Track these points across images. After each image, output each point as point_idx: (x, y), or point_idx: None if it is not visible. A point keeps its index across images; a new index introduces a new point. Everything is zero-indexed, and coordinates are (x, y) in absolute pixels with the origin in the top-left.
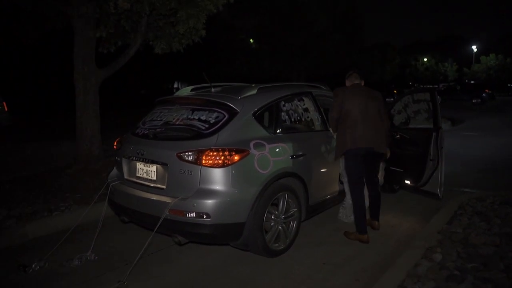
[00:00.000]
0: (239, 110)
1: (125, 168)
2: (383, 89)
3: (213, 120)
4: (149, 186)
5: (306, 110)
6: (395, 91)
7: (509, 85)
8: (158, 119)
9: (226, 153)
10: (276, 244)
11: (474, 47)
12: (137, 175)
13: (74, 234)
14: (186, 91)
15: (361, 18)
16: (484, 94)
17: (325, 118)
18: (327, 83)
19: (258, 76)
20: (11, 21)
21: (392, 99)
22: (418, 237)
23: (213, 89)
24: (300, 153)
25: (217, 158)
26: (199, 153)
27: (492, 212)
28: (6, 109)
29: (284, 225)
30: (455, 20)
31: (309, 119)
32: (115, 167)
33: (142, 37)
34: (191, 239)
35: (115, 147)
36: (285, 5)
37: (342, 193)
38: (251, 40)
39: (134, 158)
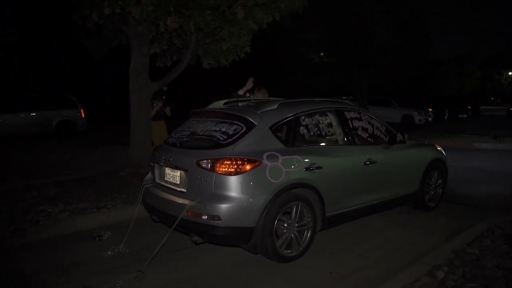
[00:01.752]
0: (256, 124)
1: (156, 173)
2: (455, 105)
3: (231, 132)
4: (174, 189)
5: (327, 125)
6: (469, 107)
7: None
8: (187, 129)
9: (239, 162)
10: (288, 251)
11: None
12: (165, 179)
13: (115, 229)
14: (219, 104)
15: (426, 28)
16: None
17: (348, 132)
18: (391, 96)
19: (318, 87)
20: (84, 38)
21: (465, 116)
22: (430, 255)
23: (240, 104)
24: (317, 165)
25: (230, 166)
26: (215, 161)
27: None
28: (83, 116)
29: (297, 233)
30: None
31: (330, 133)
32: (150, 171)
33: (192, 53)
34: (205, 239)
35: (153, 152)
36: (346, 17)
37: (368, 208)
38: (312, 55)
39: (163, 164)
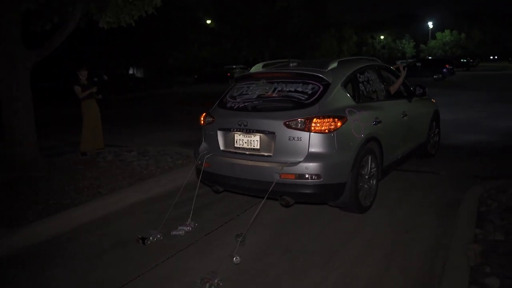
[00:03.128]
0: (330, 81)
1: (220, 140)
2: None
3: (310, 91)
4: (254, 154)
5: (374, 81)
6: None
7: (462, 60)
8: (249, 93)
9: (331, 120)
10: (366, 201)
11: (430, 24)
12: (235, 145)
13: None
14: (258, 67)
15: None
16: (444, 70)
17: (386, 88)
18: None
19: (219, 58)
20: None
21: None
22: (454, 251)
23: (291, 64)
24: (379, 120)
25: (324, 124)
26: (307, 120)
27: None
28: None
29: (369, 184)
30: None
31: (378, 89)
32: (203, 141)
33: (82, 9)
34: (298, 200)
35: (202, 122)
36: None
37: (404, 158)
38: (208, 21)
39: (233, 130)
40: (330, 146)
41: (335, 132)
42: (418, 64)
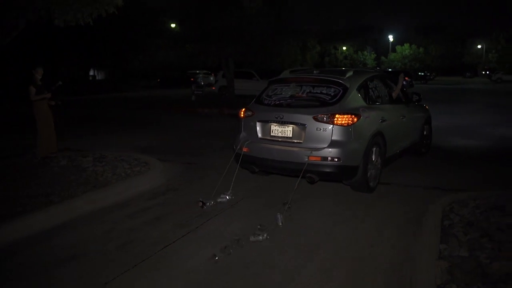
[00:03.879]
0: (348, 86)
1: (259, 130)
2: None
3: (333, 93)
4: (287, 141)
5: (380, 88)
6: None
7: (420, 73)
8: (283, 93)
9: (349, 116)
10: (372, 183)
11: (390, 37)
12: (271, 134)
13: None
14: (286, 73)
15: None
16: (404, 82)
17: (389, 94)
18: (253, 69)
19: (184, 63)
20: None
21: None
22: (420, 269)
23: (314, 71)
24: (384, 119)
25: (344, 119)
26: (331, 116)
27: (486, 223)
28: None
29: (375, 170)
30: (369, 10)
31: (383, 94)
32: (243, 132)
33: (37, 4)
34: (321, 177)
35: (242, 115)
36: None
37: (401, 152)
38: (172, 25)
39: (270, 121)
40: (348, 136)
41: (352, 125)
42: None
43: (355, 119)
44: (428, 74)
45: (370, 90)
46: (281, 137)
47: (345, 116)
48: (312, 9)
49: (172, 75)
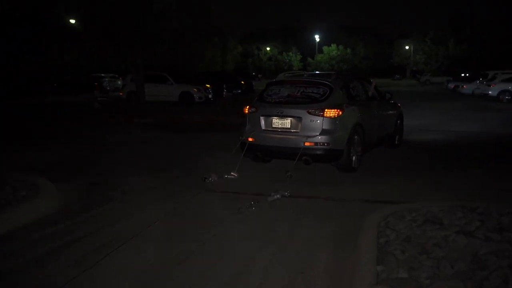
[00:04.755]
0: (334, 87)
1: (262, 123)
2: (230, 80)
3: (322, 92)
4: (287, 131)
5: (358, 87)
6: (242, 82)
7: None
8: (281, 93)
9: (336, 110)
10: (355, 165)
11: (316, 37)
12: (273, 126)
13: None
14: (282, 76)
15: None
16: None
17: (367, 93)
18: (167, 71)
19: (85, 65)
20: None
21: (239, 91)
22: None
23: (305, 74)
24: (362, 113)
25: (331, 112)
26: (322, 110)
27: (424, 238)
28: None
29: (356, 155)
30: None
31: (360, 93)
32: (248, 125)
33: None
34: (314, 159)
35: (247, 111)
36: None
37: (377, 141)
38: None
39: (272, 115)
40: (335, 126)
41: (338, 117)
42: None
43: (340, 112)
44: None
45: (350, 89)
46: (281, 128)
47: (333, 110)
48: (234, 9)
49: (71, 79)
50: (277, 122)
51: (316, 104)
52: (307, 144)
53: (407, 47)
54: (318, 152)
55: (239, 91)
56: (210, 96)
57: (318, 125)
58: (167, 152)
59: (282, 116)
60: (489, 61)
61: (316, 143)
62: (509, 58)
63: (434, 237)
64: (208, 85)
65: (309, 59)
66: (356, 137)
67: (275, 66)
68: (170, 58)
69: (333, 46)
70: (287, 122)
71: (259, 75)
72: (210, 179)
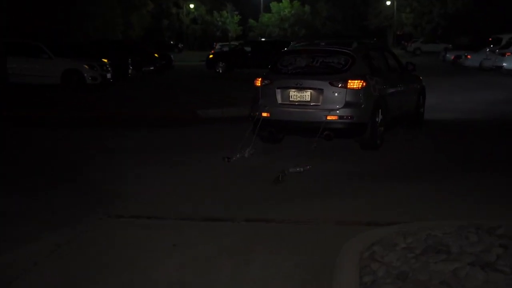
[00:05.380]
0: (356, 56)
1: (278, 96)
2: (137, 53)
3: (343, 62)
4: (306, 105)
5: (379, 58)
6: (156, 55)
7: None
8: (297, 63)
9: (360, 81)
10: (378, 141)
11: None
12: (290, 100)
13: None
14: (293, 46)
15: None
16: None
17: (388, 64)
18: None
19: None
20: None
21: (152, 68)
22: None
23: (322, 43)
24: (385, 86)
25: (355, 84)
26: (344, 81)
27: (425, 274)
28: None
29: (380, 129)
30: None
31: (381, 64)
32: (261, 99)
33: None
34: (336, 135)
35: (259, 84)
36: None
37: (399, 117)
38: None
39: (289, 87)
40: (359, 98)
41: (362, 89)
42: (248, 49)
43: (364, 84)
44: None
45: (372, 60)
46: (299, 101)
47: (356, 81)
48: None
49: None
50: (295, 95)
51: (338, 75)
52: (329, 117)
53: (388, 3)
54: (341, 126)
55: (152, 67)
56: (109, 76)
57: (341, 98)
58: None
59: (301, 88)
60: (501, 21)
61: (340, 117)
62: None
63: (440, 272)
64: (106, 60)
65: (252, 21)
66: (380, 110)
67: (203, 31)
68: (44, 19)
69: (285, 1)
70: (306, 95)
71: (180, 45)
72: (233, 158)
